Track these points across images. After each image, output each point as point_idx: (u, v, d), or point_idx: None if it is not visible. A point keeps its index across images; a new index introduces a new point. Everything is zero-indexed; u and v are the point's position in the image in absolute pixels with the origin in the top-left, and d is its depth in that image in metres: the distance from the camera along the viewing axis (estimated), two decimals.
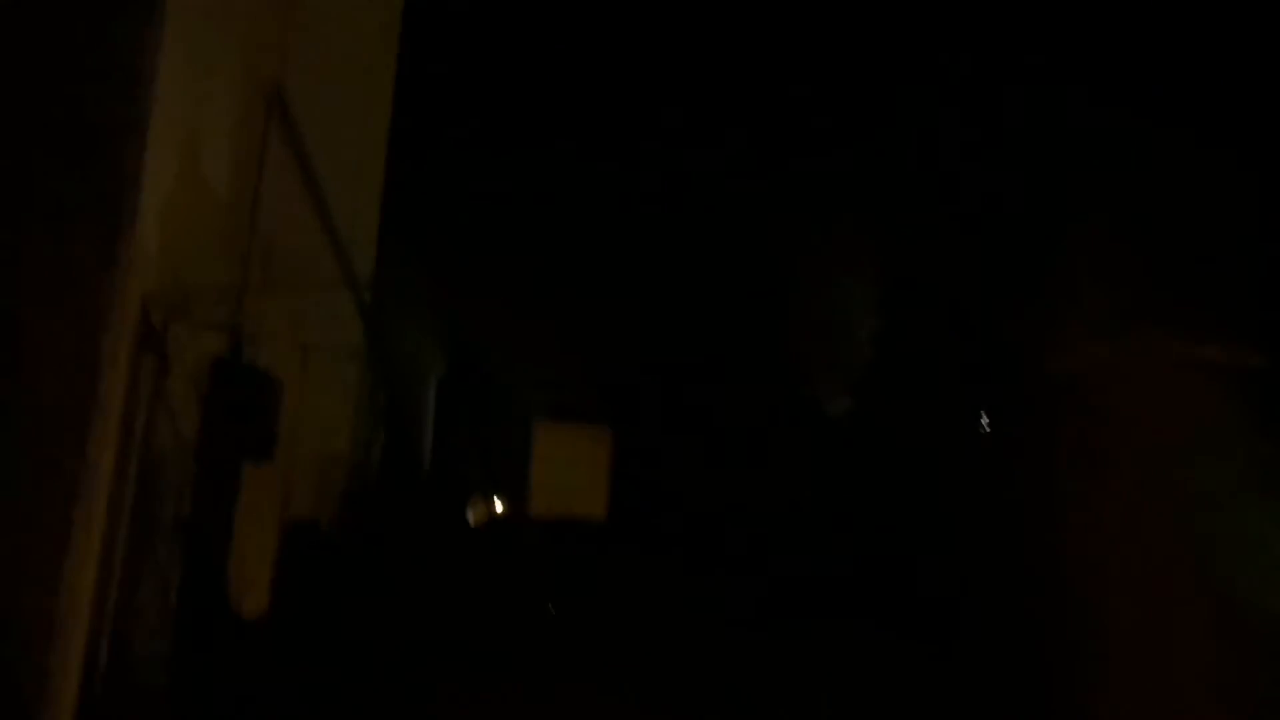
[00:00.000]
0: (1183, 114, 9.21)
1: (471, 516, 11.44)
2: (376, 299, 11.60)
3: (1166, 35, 9.83)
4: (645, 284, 12.02)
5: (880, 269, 12.69)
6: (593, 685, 8.47)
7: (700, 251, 12.35)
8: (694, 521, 9.59)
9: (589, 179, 11.97)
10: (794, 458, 10.85)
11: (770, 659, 8.61)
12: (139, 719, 5.19)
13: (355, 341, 10.79)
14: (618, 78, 11.82)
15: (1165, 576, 7.10)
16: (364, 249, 11.16)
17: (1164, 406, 7.19)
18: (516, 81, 11.96)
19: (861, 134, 12.37)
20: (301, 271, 7.98)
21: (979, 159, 11.35)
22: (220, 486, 6.24)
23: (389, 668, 8.42)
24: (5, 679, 4.34)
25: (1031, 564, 8.24)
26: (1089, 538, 7.58)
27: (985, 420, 12.22)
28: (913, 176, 11.94)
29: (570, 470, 8.44)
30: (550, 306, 11.59)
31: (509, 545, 9.07)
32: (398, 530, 9.75)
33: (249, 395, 6.46)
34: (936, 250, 11.81)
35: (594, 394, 10.53)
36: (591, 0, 12.23)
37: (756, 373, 12.50)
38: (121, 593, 4.95)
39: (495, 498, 11.58)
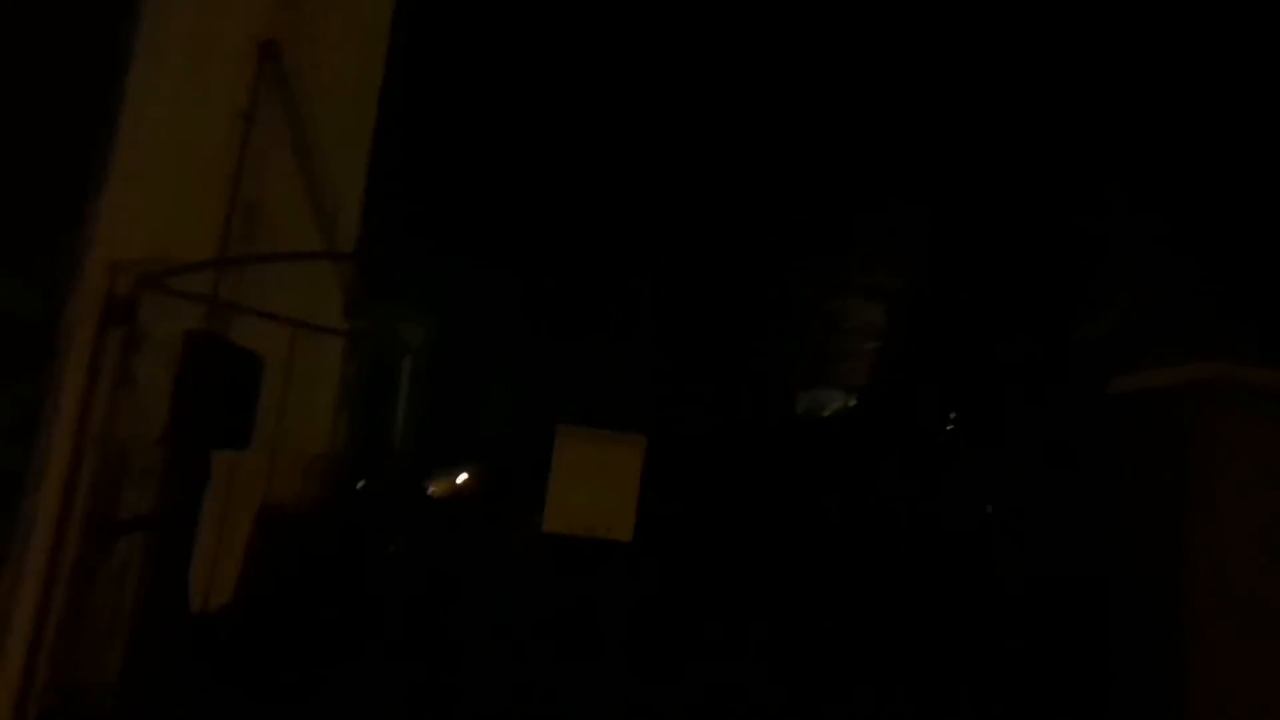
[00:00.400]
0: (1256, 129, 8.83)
1: (433, 489, 10.86)
2: (360, 271, 10.97)
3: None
4: (676, 270, 11.43)
5: (930, 275, 12.25)
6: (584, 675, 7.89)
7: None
8: (734, 548, 8.86)
9: (604, 146, 11.37)
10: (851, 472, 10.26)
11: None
12: None
13: (339, 317, 10.14)
14: (634, 44, 11.23)
15: (1243, 606, 6.84)
16: (349, 219, 10.51)
17: (1239, 430, 6.87)
18: (523, 52, 11.34)
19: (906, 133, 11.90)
20: (285, 241, 7.34)
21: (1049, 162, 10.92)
22: (190, 477, 5.60)
23: (360, 663, 7.84)
24: None
25: (1091, 586, 7.93)
26: (1159, 560, 7.26)
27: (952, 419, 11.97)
28: (966, 177, 11.47)
29: (594, 483, 7.48)
30: (571, 294, 10.94)
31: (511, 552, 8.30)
32: (376, 518, 9.12)
33: (226, 374, 5.84)
34: (990, 261, 11.38)
35: (626, 396, 9.87)
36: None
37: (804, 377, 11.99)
38: (69, 600, 4.34)
39: (461, 471, 11.01)
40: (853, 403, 13.47)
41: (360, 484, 9.44)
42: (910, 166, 12.83)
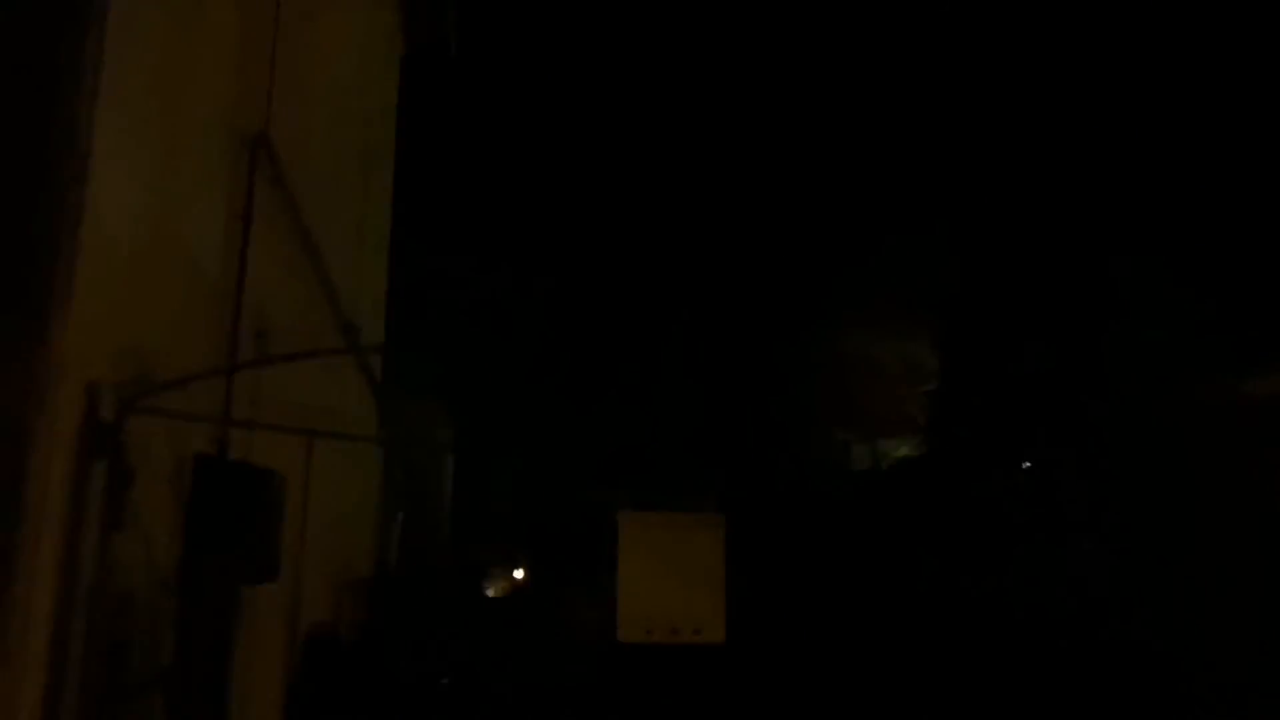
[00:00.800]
0: None
1: (491, 590, 10.13)
2: (389, 372, 10.38)
3: None
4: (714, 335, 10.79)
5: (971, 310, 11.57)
6: None
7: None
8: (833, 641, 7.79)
9: (622, 223, 10.84)
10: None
11: None
12: None
13: (367, 421, 9.54)
14: (646, 125, 10.80)
15: None
16: (372, 317, 9.97)
17: None
18: (537, 135, 10.90)
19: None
20: (300, 346, 6.75)
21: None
22: (214, 620, 4.94)
23: None
24: None
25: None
26: None
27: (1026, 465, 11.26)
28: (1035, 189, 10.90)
29: (672, 577, 6.37)
30: (624, 364, 10.26)
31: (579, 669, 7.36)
32: (423, 629, 8.36)
33: (245, 500, 5.20)
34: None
35: (697, 475, 9.07)
36: (607, 46, 11.28)
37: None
38: None
39: (516, 568, 10.31)
40: (910, 451, 12.69)
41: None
42: (935, 201, 12.31)
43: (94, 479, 3.73)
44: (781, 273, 12.56)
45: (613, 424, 10.10)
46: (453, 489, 11.30)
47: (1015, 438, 11.17)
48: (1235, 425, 7.15)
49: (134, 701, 4.27)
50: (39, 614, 3.43)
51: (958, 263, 12.55)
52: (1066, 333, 11.15)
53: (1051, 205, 11.53)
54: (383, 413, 10.22)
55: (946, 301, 12.29)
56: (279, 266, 6.75)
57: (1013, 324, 11.71)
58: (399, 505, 10.39)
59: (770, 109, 11.49)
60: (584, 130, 11.05)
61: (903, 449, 12.11)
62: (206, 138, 5.74)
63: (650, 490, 8.36)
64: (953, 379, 12.45)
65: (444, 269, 10.82)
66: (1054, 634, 8.24)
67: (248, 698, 5.77)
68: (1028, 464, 11.28)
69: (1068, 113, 11.41)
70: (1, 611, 3.26)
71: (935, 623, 8.32)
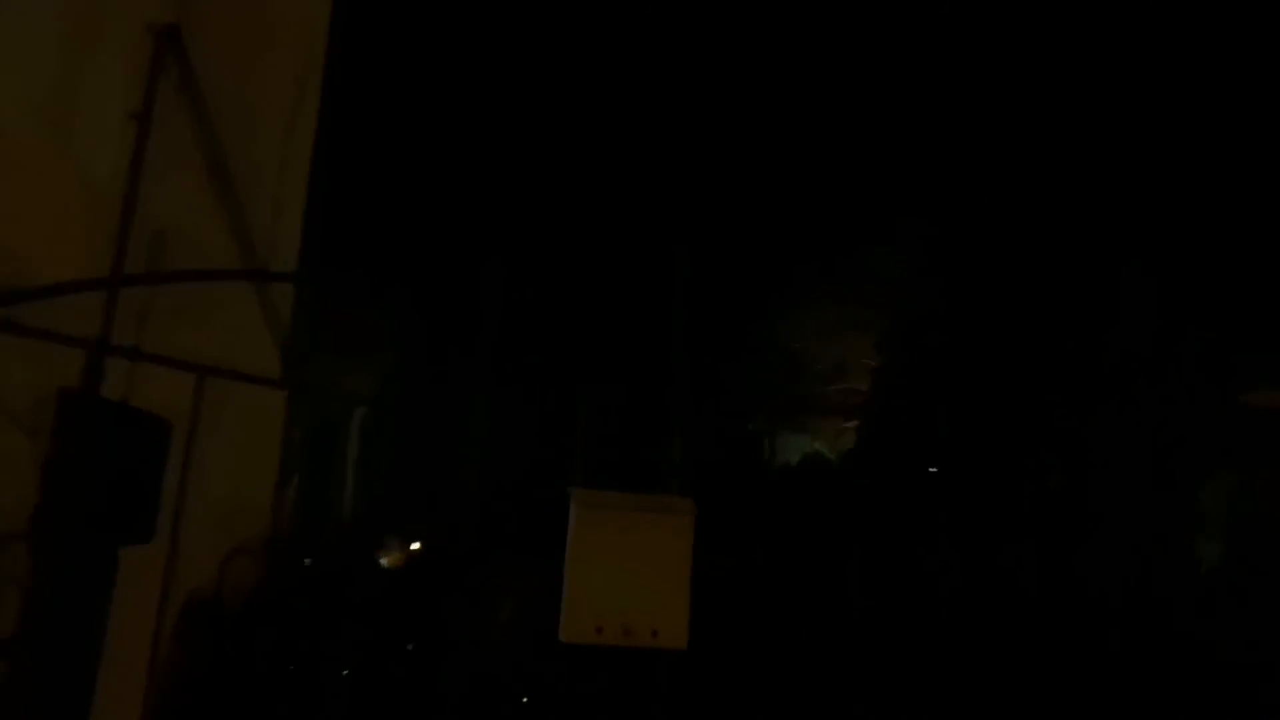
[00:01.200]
0: None
1: (385, 560, 9.51)
2: (300, 306, 9.56)
3: None
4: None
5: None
6: None
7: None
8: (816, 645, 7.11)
9: (580, 159, 10.17)
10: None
11: None
12: None
13: (270, 361, 8.77)
14: (606, 54, 10.12)
15: None
16: (285, 242, 9.20)
17: None
18: (482, 47, 10.14)
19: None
20: (200, 268, 5.96)
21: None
22: (75, 585, 4.20)
23: None
24: None
25: None
26: None
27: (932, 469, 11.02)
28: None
29: (629, 570, 5.53)
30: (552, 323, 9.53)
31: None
32: (319, 604, 7.64)
33: (119, 446, 4.46)
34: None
35: (667, 452, 8.39)
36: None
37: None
38: None
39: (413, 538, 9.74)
40: (820, 448, 12.39)
41: (307, 562, 8.05)
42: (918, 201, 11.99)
43: None
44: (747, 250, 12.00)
45: (557, 386, 9.46)
46: (362, 446, 10.59)
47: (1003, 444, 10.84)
48: (1236, 440, 6.93)
49: None
50: None
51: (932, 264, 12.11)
52: (1060, 341, 10.86)
53: (1046, 211, 11.21)
54: (289, 356, 9.47)
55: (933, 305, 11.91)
56: (181, 179, 5.96)
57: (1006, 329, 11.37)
58: (302, 461, 9.65)
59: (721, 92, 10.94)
60: (546, 72, 10.33)
61: (818, 444, 11.71)
62: (105, 21, 4.96)
63: (606, 466, 7.63)
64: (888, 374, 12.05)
65: (371, 207, 10.03)
66: (1046, 642, 7.95)
67: (117, 673, 5.03)
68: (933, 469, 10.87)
69: (1066, 110, 11.04)
70: None
71: (916, 629, 7.89)
